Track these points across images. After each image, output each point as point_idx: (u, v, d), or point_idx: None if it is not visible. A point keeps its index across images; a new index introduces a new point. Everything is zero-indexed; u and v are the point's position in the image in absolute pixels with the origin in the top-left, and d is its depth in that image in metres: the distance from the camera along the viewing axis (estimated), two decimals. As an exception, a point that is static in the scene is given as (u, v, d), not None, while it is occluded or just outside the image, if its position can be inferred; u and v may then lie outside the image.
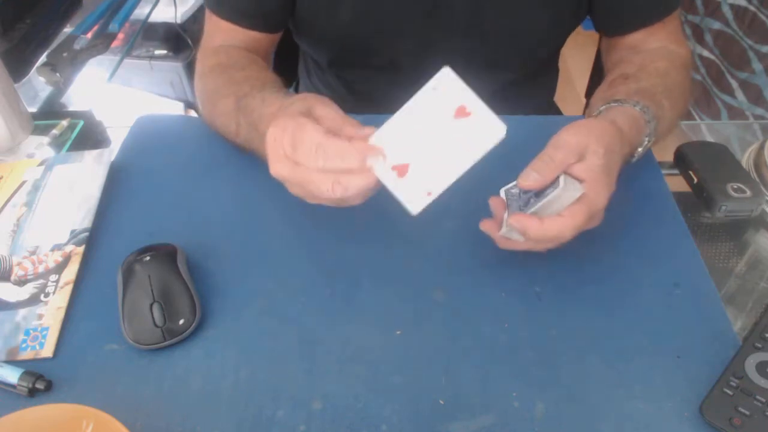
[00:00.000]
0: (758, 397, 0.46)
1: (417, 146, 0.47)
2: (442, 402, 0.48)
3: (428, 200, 0.46)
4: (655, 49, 0.73)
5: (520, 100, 0.87)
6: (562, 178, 0.50)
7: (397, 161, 0.46)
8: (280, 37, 0.81)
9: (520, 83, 0.86)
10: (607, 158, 0.52)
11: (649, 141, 0.61)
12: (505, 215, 0.55)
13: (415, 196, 0.46)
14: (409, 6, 0.74)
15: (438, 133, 0.46)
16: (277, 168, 0.51)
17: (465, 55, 0.67)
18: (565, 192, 0.49)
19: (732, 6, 1.70)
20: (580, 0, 0.75)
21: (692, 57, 0.71)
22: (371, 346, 0.53)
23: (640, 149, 0.61)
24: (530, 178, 0.51)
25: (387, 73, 0.82)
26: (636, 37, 0.75)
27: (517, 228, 0.51)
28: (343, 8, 0.74)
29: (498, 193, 0.62)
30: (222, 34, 0.76)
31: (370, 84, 0.86)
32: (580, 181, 0.51)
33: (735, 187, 0.65)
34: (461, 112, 0.46)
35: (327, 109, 0.51)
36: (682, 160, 0.70)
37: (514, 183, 0.55)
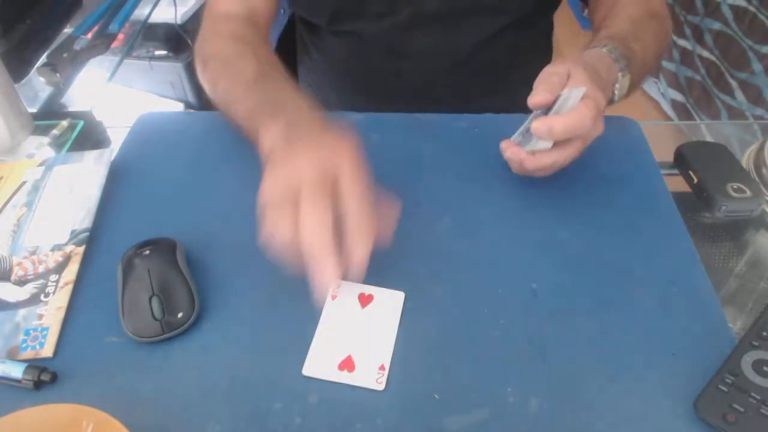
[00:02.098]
0: (753, 394, 0.46)
1: (349, 341, 0.52)
2: (437, 396, 0.48)
3: (385, 372, 0.50)
4: (631, 1, 0.77)
5: (516, 45, 0.88)
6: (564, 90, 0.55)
7: (340, 359, 0.50)
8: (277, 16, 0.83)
9: (516, 27, 0.87)
10: (587, 72, 0.57)
11: (623, 76, 0.63)
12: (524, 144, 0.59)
13: (374, 377, 0.50)
14: None
15: (359, 323, 0.53)
16: (276, 180, 0.51)
17: None
18: (571, 93, 0.54)
19: (732, 6, 1.70)
20: None
21: (666, 8, 0.77)
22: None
23: (617, 85, 0.63)
24: (540, 94, 0.55)
25: (384, 20, 0.82)
26: None
27: (542, 130, 0.54)
28: None
29: (498, 193, 0.63)
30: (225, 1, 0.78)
31: (368, 39, 0.86)
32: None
33: (735, 187, 0.65)
34: (364, 300, 0.55)
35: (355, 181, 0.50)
36: (681, 160, 0.70)
37: (517, 133, 0.61)
